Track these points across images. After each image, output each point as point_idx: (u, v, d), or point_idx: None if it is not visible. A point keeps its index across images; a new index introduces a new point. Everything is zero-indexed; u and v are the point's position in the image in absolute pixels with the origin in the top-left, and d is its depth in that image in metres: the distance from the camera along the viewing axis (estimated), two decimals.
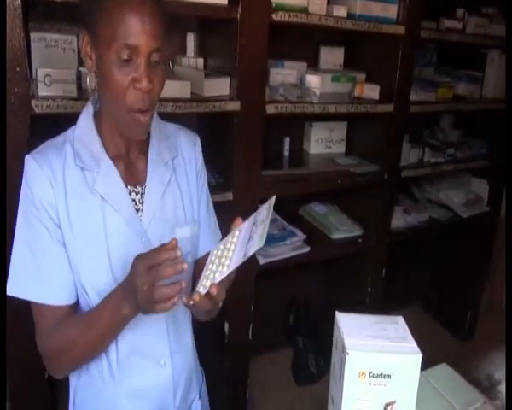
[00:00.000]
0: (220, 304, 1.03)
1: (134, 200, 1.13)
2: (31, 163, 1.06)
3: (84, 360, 1.13)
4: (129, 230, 1.10)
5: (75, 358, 1.10)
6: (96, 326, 1.04)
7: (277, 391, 2.78)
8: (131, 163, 1.15)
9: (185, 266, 0.94)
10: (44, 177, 1.05)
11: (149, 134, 1.17)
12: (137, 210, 1.13)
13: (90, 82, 1.13)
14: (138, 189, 1.14)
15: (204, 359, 1.43)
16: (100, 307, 1.05)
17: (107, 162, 1.10)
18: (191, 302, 0.96)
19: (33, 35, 1.72)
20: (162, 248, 0.95)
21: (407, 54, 2.34)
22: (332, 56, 2.54)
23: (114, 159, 1.11)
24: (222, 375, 2.22)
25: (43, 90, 1.57)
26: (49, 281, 1.06)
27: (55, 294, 1.07)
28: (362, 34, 2.26)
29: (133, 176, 1.15)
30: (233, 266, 0.96)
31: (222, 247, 1.03)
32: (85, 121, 1.12)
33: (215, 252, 1.04)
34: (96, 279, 1.08)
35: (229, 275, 0.98)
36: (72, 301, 1.10)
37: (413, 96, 2.48)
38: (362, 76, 2.50)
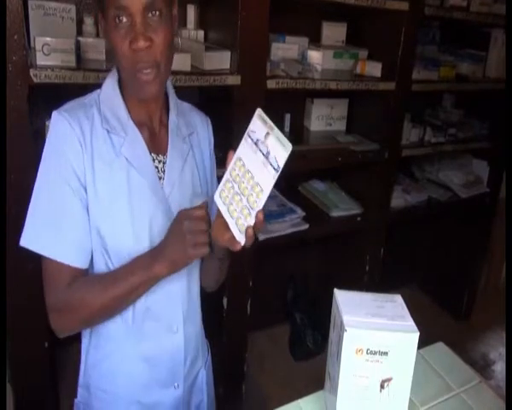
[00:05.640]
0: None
1: (157, 167, 1.14)
2: (60, 121, 1.05)
3: (98, 320, 1.11)
4: (152, 195, 1.12)
5: (91, 316, 1.08)
6: (123, 283, 1.04)
7: (275, 366, 2.80)
8: (154, 132, 1.16)
9: None
10: (75, 137, 1.04)
11: (168, 106, 1.20)
12: (159, 178, 1.14)
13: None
14: (160, 157, 1.15)
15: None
16: (131, 265, 1.05)
17: (132, 128, 1.11)
18: (242, 242, 0.98)
19: (31, 2, 1.68)
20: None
21: (410, 31, 2.31)
22: (334, 32, 2.51)
23: (138, 126, 1.12)
24: (220, 349, 2.24)
25: (41, 60, 1.54)
26: (65, 239, 1.05)
27: (70, 253, 1.06)
28: (365, 10, 2.22)
29: (155, 144, 1.16)
30: (269, 186, 0.88)
31: (230, 185, 0.98)
32: (111, 86, 1.13)
33: (224, 194, 0.99)
34: (119, 242, 1.09)
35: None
36: (85, 265, 1.09)
37: (415, 75, 2.45)
38: (364, 53, 2.47)
